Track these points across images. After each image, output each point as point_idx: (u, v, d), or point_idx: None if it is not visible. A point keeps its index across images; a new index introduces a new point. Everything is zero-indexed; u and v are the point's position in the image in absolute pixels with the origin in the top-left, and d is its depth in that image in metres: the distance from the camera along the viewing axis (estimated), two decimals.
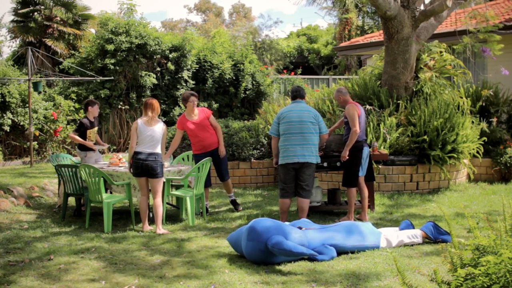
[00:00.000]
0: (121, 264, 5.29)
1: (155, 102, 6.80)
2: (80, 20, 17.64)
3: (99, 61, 14.33)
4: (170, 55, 14.97)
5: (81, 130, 8.07)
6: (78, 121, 8.78)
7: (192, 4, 65.38)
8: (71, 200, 7.93)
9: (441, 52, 10.27)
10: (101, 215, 6.91)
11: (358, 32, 23.94)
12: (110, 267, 5.20)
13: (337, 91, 7.39)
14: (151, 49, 14.55)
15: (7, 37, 17.79)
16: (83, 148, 8.19)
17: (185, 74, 15.11)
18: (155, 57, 14.84)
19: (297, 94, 6.94)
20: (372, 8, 23.23)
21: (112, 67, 14.08)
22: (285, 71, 21.36)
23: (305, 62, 26.75)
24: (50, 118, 12.71)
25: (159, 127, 6.75)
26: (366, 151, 7.18)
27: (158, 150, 6.71)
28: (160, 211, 6.70)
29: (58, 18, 17.16)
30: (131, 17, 15.18)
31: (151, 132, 6.68)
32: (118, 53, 14.18)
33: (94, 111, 8.20)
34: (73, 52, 16.01)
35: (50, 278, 4.87)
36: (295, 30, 31.83)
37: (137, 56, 14.39)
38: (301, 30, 31.36)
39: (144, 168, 6.63)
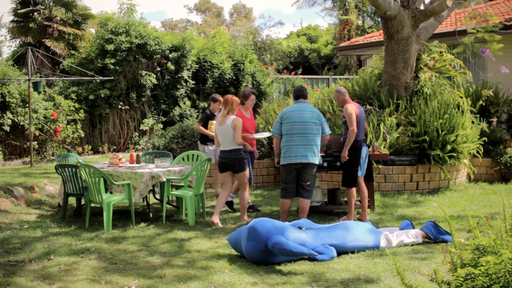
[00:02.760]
0: (121, 264, 5.29)
1: (229, 98, 7.04)
2: (80, 20, 17.61)
3: (99, 61, 14.32)
4: (170, 55, 14.96)
5: (204, 120, 8.51)
6: (202, 112, 8.96)
7: (192, 4, 65.36)
8: (72, 200, 7.92)
9: (441, 52, 10.27)
10: (101, 215, 6.91)
11: (358, 32, 23.93)
12: (110, 267, 5.19)
13: (336, 91, 7.40)
14: (151, 49, 14.54)
15: (7, 37, 17.76)
16: (204, 141, 8.63)
17: (185, 74, 15.11)
18: (155, 57, 14.83)
19: (299, 94, 6.93)
20: (372, 8, 23.23)
21: (112, 67, 14.08)
22: (285, 71, 21.35)
23: (305, 62, 26.75)
24: (50, 118, 12.71)
25: (227, 125, 6.93)
26: (365, 150, 7.17)
27: (231, 146, 6.95)
28: (242, 203, 7.21)
29: (58, 18, 17.14)
30: (131, 17, 15.16)
31: (220, 131, 7.00)
32: (118, 53, 14.17)
33: (215, 107, 8.52)
34: (73, 52, 16.00)
35: (50, 278, 4.86)
36: (295, 30, 31.85)
37: (137, 56, 14.38)
38: (301, 30, 31.37)
39: (225, 165, 7.07)
